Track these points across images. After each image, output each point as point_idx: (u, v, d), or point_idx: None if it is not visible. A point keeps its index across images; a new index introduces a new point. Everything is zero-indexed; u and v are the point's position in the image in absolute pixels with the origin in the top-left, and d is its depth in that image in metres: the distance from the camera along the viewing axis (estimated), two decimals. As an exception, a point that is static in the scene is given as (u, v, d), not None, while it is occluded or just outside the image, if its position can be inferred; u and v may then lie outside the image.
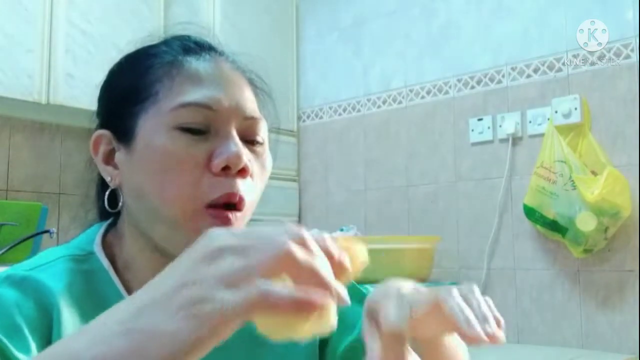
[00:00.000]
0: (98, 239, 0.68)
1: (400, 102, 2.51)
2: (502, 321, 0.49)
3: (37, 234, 1.87)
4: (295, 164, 2.82)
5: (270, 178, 0.74)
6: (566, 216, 1.91)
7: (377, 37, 2.62)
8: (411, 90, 2.48)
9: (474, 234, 2.24)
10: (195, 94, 0.62)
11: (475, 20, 2.31)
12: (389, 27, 2.58)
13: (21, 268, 0.63)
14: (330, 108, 2.75)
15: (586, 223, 1.85)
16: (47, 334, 0.59)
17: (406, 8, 2.52)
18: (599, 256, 1.95)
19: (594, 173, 1.92)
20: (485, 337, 0.47)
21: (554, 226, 1.96)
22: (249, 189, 0.64)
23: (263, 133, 0.67)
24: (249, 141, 0.66)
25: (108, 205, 0.68)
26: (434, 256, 2.16)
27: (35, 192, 2.28)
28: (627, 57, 1.94)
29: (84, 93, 2.12)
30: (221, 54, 0.69)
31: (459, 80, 2.34)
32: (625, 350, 1.86)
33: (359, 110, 2.65)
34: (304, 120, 2.84)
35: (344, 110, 2.70)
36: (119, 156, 0.66)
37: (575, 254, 1.94)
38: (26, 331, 0.57)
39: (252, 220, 0.71)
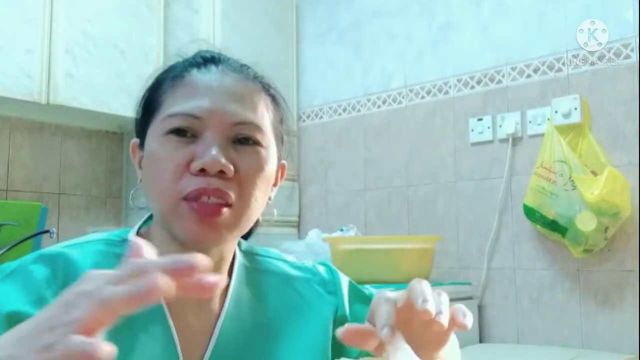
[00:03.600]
0: (134, 230, 0.77)
1: (400, 102, 2.51)
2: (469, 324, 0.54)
3: (37, 234, 1.86)
4: (295, 164, 2.81)
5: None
6: (566, 216, 1.91)
7: (377, 37, 2.62)
8: (411, 90, 2.48)
9: (474, 234, 2.24)
10: (184, 104, 0.69)
11: (475, 20, 2.31)
12: (389, 27, 2.58)
13: (59, 245, 0.71)
14: (330, 108, 2.75)
15: (586, 223, 1.85)
16: None
17: (406, 8, 2.52)
18: (599, 256, 1.95)
19: (594, 173, 1.91)
20: (433, 312, 0.52)
21: (554, 226, 1.96)
22: (234, 187, 0.68)
23: (259, 136, 0.71)
24: (241, 141, 0.70)
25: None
26: (433, 256, 2.15)
27: (35, 192, 2.28)
28: (627, 57, 1.94)
29: (84, 93, 2.12)
30: (226, 65, 0.74)
31: (459, 80, 2.34)
32: (625, 350, 1.86)
33: (359, 110, 2.65)
34: (304, 120, 2.84)
35: (344, 110, 2.70)
36: (142, 161, 0.74)
37: (575, 254, 1.94)
38: None
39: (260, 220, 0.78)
